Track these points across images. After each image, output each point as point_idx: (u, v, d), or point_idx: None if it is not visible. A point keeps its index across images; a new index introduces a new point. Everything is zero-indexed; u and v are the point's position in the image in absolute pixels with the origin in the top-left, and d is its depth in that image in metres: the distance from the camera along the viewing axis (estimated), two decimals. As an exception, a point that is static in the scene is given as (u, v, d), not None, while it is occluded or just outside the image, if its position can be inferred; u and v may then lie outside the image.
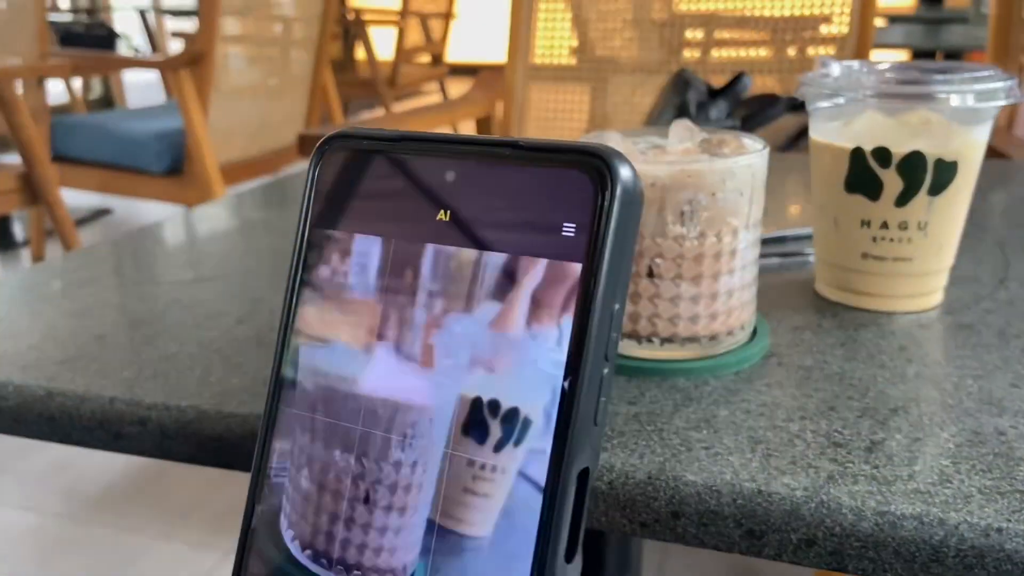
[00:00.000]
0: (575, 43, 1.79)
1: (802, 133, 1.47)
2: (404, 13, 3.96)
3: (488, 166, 0.26)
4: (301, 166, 0.97)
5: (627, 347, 0.44)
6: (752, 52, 1.70)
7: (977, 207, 0.71)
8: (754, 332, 0.47)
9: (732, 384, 0.42)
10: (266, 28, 2.61)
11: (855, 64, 0.50)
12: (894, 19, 3.53)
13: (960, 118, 0.48)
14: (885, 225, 0.49)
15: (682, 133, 0.45)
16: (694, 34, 1.72)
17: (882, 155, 0.48)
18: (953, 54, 2.94)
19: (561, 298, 0.24)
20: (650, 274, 0.42)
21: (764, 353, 0.45)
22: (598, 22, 1.76)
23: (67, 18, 4.98)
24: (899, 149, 0.47)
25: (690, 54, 1.72)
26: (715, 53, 1.72)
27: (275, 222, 0.74)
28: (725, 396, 0.41)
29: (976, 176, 0.50)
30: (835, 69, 0.50)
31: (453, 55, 4.87)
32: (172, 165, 2.48)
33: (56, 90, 4.44)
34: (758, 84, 1.61)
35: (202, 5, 2.37)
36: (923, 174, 0.47)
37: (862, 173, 0.49)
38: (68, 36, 4.51)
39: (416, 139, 0.28)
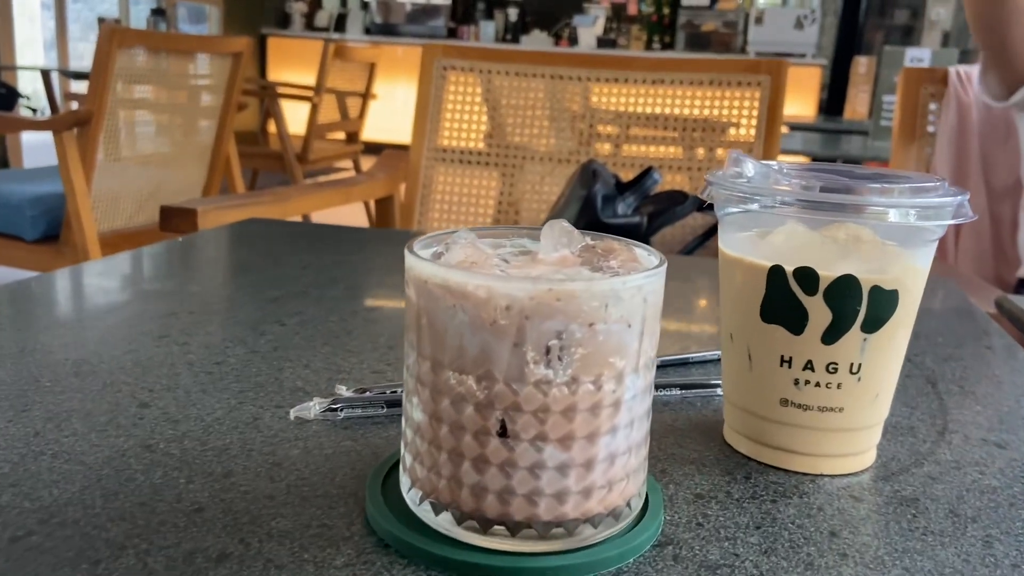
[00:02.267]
0: (486, 128, 1.72)
1: (711, 232, 1.41)
2: (318, 89, 3.87)
3: None
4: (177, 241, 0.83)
5: (469, 535, 0.31)
6: (663, 149, 1.66)
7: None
8: (645, 504, 0.35)
9: (609, 593, 0.30)
10: (168, 95, 2.48)
11: (773, 164, 0.41)
12: (795, 127, 3.64)
13: (896, 237, 0.39)
14: (810, 366, 0.39)
15: (557, 237, 0.35)
16: (607, 128, 1.67)
17: (807, 277, 0.38)
18: (852, 163, 3.01)
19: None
20: (502, 432, 0.30)
21: (656, 539, 0.34)
22: (512, 109, 1.70)
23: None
24: (828, 271, 0.38)
25: (602, 147, 1.67)
26: (627, 148, 1.68)
27: (91, 304, 0.59)
28: (598, 616, 0.29)
29: (917, 308, 0.40)
30: (749, 168, 0.40)
31: (372, 134, 4.80)
32: (47, 232, 2.29)
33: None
34: (667, 181, 1.56)
35: (94, 66, 2.22)
36: (857, 304, 0.38)
37: (782, 298, 0.39)
38: (-39, 94, 4.25)
39: None
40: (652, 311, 0.32)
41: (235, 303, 0.62)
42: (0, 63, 5.10)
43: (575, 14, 6.76)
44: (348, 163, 4.65)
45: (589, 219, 1.26)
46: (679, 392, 0.49)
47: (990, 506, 0.38)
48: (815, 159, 3.16)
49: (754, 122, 1.58)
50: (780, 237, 0.39)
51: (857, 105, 4.32)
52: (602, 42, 6.66)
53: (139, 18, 6.06)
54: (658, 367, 0.54)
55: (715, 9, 6.55)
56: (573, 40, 6.72)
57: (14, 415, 0.41)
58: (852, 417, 0.39)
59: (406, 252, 0.32)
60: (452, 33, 6.87)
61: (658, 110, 1.63)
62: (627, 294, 0.30)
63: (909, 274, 0.38)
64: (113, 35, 2.16)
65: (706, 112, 1.61)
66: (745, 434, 0.42)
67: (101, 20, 5.00)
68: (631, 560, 0.32)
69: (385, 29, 6.87)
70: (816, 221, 0.39)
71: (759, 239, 0.40)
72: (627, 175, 1.47)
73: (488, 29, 6.79)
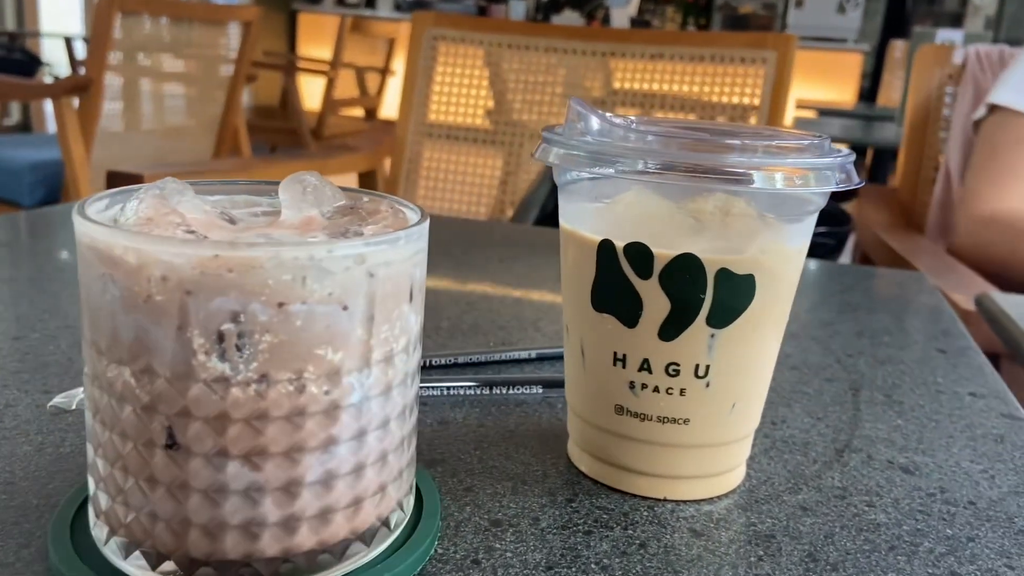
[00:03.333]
0: (479, 102, 1.64)
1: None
2: (335, 64, 3.81)
3: None
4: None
5: (135, 570, 0.24)
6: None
7: (841, 330, 0.55)
8: (413, 528, 0.28)
9: (295, 657, 0.23)
10: (174, 63, 2.44)
11: (621, 119, 0.33)
12: (825, 112, 3.50)
13: (779, 210, 0.31)
14: (646, 366, 0.31)
15: (301, 194, 0.27)
16: (601, 105, 1.59)
17: (639, 256, 0.30)
18: (884, 151, 2.90)
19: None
20: (170, 443, 0.23)
21: (404, 580, 0.26)
22: (503, 82, 1.62)
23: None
24: (663, 249, 0.30)
25: None
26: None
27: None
28: None
29: (789, 300, 0.32)
30: (593, 122, 0.33)
31: (393, 112, 4.74)
32: (46, 199, 2.27)
33: (-40, 112, 4.18)
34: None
35: (93, 32, 2.18)
36: (699, 292, 0.30)
37: (612, 282, 0.31)
38: (-20, 59, 4.27)
39: None
40: (388, 289, 0.24)
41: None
42: (24, 30, 5.13)
43: (608, -7, 6.61)
44: (364, 139, 4.59)
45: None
46: (540, 391, 0.42)
47: (864, 549, 0.30)
48: (851, 147, 3.03)
49: (757, 101, 1.49)
50: (621, 206, 0.32)
51: (892, 91, 4.15)
52: (636, 23, 6.51)
53: (168, -10, 6.06)
54: (534, 360, 0.47)
55: (753, -9, 6.36)
56: (606, 20, 6.58)
57: None
58: (701, 431, 0.32)
59: (74, 207, 0.25)
60: (482, 12, 6.76)
61: (656, 87, 1.54)
62: (337, 266, 0.23)
63: (771, 255, 0.30)
64: (113, 0, 2.12)
65: (707, 90, 1.51)
66: (583, 447, 0.34)
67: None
68: (355, 610, 0.25)
69: (416, 6, 6.78)
70: (672, 189, 0.31)
71: (604, 210, 0.33)
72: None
73: (518, 8, 6.67)
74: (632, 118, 0.34)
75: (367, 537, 0.26)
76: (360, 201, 0.29)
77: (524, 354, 0.47)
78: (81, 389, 0.37)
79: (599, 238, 0.31)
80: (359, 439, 0.25)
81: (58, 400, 0.36)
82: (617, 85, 1.55)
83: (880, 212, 1.44)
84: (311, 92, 4.51)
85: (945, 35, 2.39)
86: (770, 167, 0.29)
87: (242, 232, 0.26)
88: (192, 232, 0.24)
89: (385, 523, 0.27)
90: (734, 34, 1.63)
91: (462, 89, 1.59)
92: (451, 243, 0.73)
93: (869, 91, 6.05)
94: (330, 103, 3.82)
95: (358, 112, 4.41)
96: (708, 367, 0.31)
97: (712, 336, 0.30)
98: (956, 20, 5.95)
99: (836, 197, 1.45)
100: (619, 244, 0.30)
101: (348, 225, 0.27)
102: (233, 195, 0.29)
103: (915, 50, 2.78)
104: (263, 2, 6.52)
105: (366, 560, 0.26)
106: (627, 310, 0.31)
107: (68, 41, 4.66)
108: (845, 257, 1.85)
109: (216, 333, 0.22)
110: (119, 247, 0.22)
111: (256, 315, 0.22)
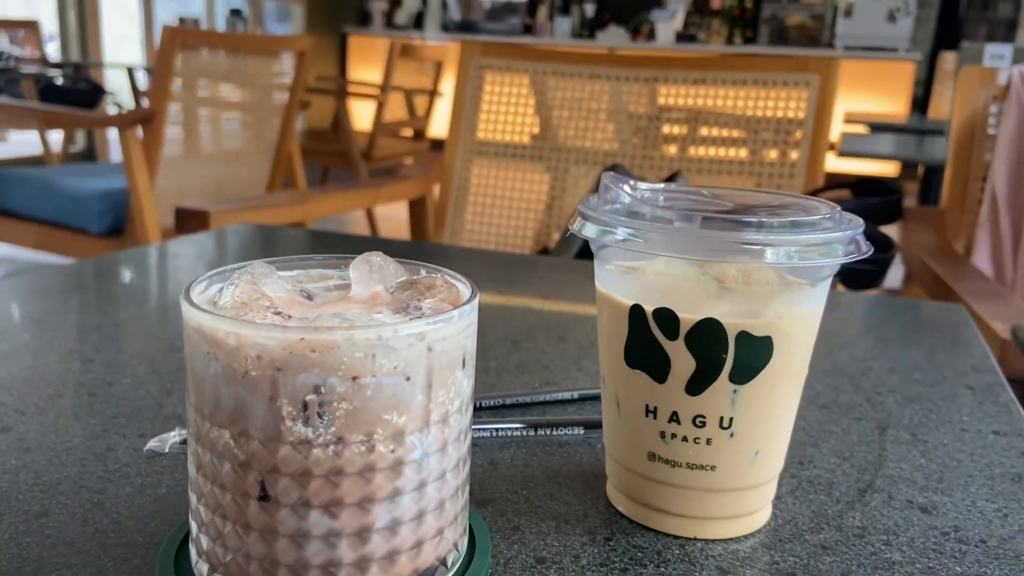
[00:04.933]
0: (526, 127, 1.69)
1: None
2: (384, 87, 3.90)
3: None
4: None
5: (231, 600, 0.29)
6: (701, 151, 1.59)
7: (874, 367, 0.57)
8: (468, 565, 0.32)
9: None
10: (232, 93, 2.54)
11: (649, 190, 0.37)
12: (876, 127, 3.46)
13: (796, 274, 0.34)
14: (675, 418, 0.34)
15: (368, 272, 0.31)
16: (642, 129, 1.62)
17: (666, 320, 0.34)
18: (936, 168, 2.86)
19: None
20: (263, 496, 0.27)
21: (459, 612, 0.30)
22: (548, 109, 1.66)
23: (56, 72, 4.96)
24: (688, 314, 0.33)
25: (634, 147, 1.61)
26: (663, 149, 1.62)
27: (24, 312, 0.59)
28: None
29: (806, 357, 0.35)
30: (622, 195, 0.36)
31: (441, 131, 4.82)
32: (113, 226, 2.38)
33: (30, 139, 4.38)
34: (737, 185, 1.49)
35: (156, 66, 2.29)
36: (722, 352, 0.33)
37: (643, 342, 0.34)
38: (49, 89, 4.47)
39: None
40: (444, 361, 0.28)
41: (167, 315, 0.61)
42: (89, 61, 5.33)
43: (654, 8, 6.62)
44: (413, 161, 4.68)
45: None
46: (582, 432, 0.45)
47: (878, 588, 0.33)
48: (903, 163, 2.98)
49: (802, 115, 1.50)
50: (649, 274, 0.35)
51: (943, 102, 4.09)
52: (681, 37, 6.51)
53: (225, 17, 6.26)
54: (576, 400, 0.50)
55: (801, 2, 6.31)
56: (651, 35, 6.59)
57: None
58: (727, 477, 0.35)
59: (181, 293, 0.29)
60: (528, 29, 6.84)
61: (700, 106, 1.57)
62: (401, 343, 0.27)
63: (786, 318, 0.33)
64: (175, 36, 2.22)
65: (749, 114, 1.53)
66: (620, 489, 0.38)
67: (182, 20, 5.19)
68: (417, 638, 0.29)
69: (464, 27, 6.89)
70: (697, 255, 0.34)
71: (633, 274, 0.36)
72: (704, 180, 1.41)
73: (563, 25, 6.73)
74: (660, 186, 0.38)
75: (428, 575, 0.30)
76: (418, 275, 0.33)
77: (567, 395, 0.50)
78: (172, 433, 0.42)
79: (630, 302, 0.34)
80: (420, 490, 0.29)
81: (152, 444, 0.41)
82: (662, 104, 1.58)
83: (926, 234, 1.44)
84: (361, 114, 4.62)
85: (995, 50, 2.36)
86: (783, 244, 0.32)
87: (319, 307, 0.30)
88: (279, 313, 0.28)
89: (443, 562, 0.30)
90: (777, 58, 1.64)
91: (508, 116, 1.64)
92: (497, 278, 0.77)
93: (922, 100, 5.95)
94: (380, 126, 3.91)
95: (407, 133, 4.50)
96: (732, 419, 0.34)
97: (735, 391, 0.34)
98: (1010, 27, 5.82)
99: (882, 220, 1.43)
100: (648, 308, 0.34)
101: (409, 300, 0.31)
102: (308, 269, 0.34)
103: (963, 64, 2.75)
104: (315, 25, 6.70)
105: (427, 594, 0.30)
106: (657, 367, 0.34)
107: (130, 71, 4.85)
108: (893, 281, 1.84)
109: (301, 403, 0.26)
110: (221, 331, 0.27)
111: (334, 387, 0.26)
